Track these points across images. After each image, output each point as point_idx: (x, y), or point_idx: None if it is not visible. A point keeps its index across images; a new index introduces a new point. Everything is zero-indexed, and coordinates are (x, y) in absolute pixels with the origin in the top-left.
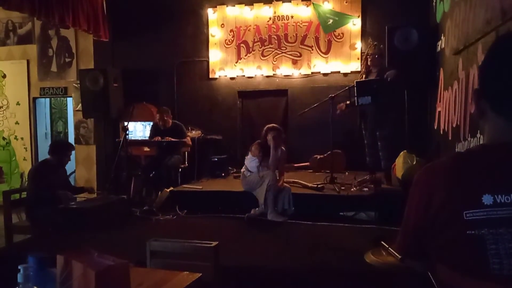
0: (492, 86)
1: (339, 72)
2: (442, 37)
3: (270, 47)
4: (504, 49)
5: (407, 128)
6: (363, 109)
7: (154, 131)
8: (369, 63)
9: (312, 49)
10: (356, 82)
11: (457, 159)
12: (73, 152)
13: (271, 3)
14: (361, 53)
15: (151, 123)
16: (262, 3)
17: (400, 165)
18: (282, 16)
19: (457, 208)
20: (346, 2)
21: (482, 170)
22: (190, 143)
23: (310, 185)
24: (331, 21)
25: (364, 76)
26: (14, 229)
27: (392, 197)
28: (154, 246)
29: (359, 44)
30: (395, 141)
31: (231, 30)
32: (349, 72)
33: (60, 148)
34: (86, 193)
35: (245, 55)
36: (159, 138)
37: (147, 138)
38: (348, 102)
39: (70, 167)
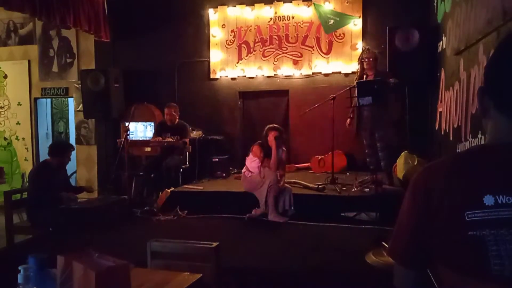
0: (497, 84)
1: (340, 72)
2: (443, 37)
3: (271, 48)
4: (510, 47)
5: (408, 128)
6: (361, 111)
7: (159, 128)
8: (365, 67)
9: (313, 50)
10: (357, 82)
11: (457, 160)
12: (73, 152)
13: (272, 3)
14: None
15: (153, 123)
16: (263, 4)
17: (401, 165)
18: (283, 16)
19: (458, 209)
20: (347, 3)
21: (483, 170)
22: (188, 144)
23: (311, 185)
24: (332, 21)
25: (359, 79)
26: (15, 230)
27: (393, 198)
28: (154, 246)
29: (360, 45)
30: (394, 141)
31: (232, 31)
32: (350, 72)
33: (60, 149)
34: (85, 192)
35: (246, 56)
36: (160, 138)
37: (148, 138)
38: (351, 115)
39: (71, 167)
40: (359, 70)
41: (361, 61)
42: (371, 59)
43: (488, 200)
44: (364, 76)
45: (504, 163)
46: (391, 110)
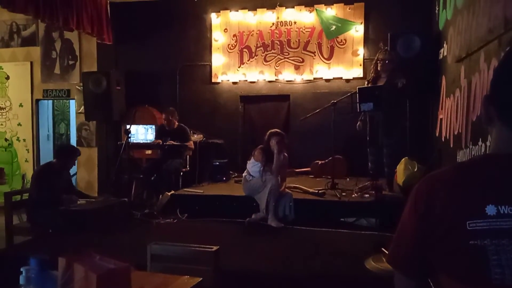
0: (502, 94)
1: (341, 78)
2: (444, 45)
3: (272, 52)
4: None
5: (409, 135)
6: (371, 116)
7: (159, 132)
8: (379, 69)
9: (315, 55)
10: (358, 88)
11: (460, 169)
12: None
13: (275, 8)
14: (364, 59)
15: (154, 126)
16: (266, 9)
17: (401, 171)
18: (285, 21)
19: (460, 218)
20: (349, 9)
21: (486, 180)
22: (193, 147)
23: (311, 190)
24: (334, 27)
25: (372, 81)
26: (14, 231)
27: (393, 204)
28: (154, 249)
29: (361, 51)
30: (400, 148)
31: (234, 35)
32: (351, 78)
33: (67, 153)
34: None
35: (248, 60)
36: (159, 141)
37: (149, 141)
38: (362, 117)
39: (71, 169)
40: (372, 71)
41: (375, 62)
42: (386, 61)
43: (491, 210)
44: (376, 78)
45: (506, 173)
46: (402, 117)
